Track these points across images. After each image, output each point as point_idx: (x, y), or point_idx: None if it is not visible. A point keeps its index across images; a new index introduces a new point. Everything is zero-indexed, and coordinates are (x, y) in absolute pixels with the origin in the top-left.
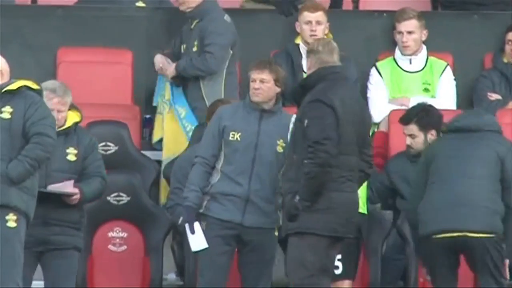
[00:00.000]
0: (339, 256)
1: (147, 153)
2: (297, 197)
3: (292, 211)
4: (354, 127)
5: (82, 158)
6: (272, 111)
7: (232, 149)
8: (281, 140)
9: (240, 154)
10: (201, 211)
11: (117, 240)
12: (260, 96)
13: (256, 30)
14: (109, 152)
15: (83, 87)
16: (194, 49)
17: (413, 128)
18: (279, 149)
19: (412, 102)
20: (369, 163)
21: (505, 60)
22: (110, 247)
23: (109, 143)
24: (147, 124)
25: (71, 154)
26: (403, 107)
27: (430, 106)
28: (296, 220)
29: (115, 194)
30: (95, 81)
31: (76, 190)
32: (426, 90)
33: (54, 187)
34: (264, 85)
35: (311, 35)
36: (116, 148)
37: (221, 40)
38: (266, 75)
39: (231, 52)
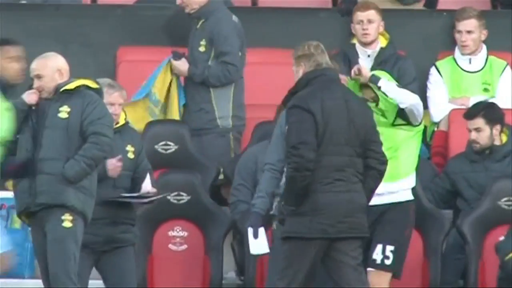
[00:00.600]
0: (392, 248)
1: None
2: (282, 202)
3: (279, 215)
4: (344, 127)
5: (137, 155)
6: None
7: None
8: None
9: None
10: (271, 212)
11: (177, 239)
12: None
13: (313, 30)
14: (169, 151)
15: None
16: (202, 49)
17: (479, 121)
18: None
19: (472, 102)
20: (379, 159)
21: None
22: (171, 246)
23: (169, 142)
24: None
25: (130, 151)
26: (463, 107)
27: (494, 102)
28: (283, 225)
29: (175, 193)
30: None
31: (155, 190)
32: (485, 90)
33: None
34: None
35: (363, 34)
36: (176, 147)
37: (236, 47)
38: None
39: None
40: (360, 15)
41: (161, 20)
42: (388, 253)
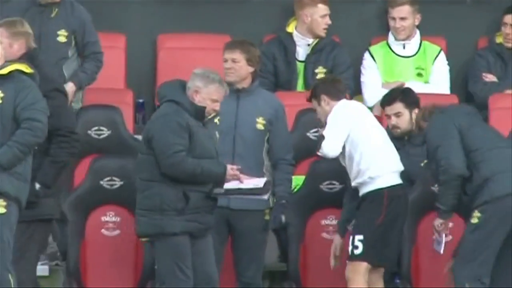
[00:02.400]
0: (361, 237)
1: (140, 137)
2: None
3: None
4: None
5: None
6: (248, 90)
7: (219, 134)
8: (261, 118)
9: (222, 137)
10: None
11: (110, 224)
12: (232, 76)
13: (248, 16)
14: (102, 136)
15: None
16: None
17: (398, 106)
18: (260, 127)
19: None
20: None
21: (497, 41)
22: (103, 231)
23: (102, 128)
24: (140, 108)
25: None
26: None
27: (409, 87)
28: None
29: (108, 178)
30: None
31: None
32: (419, 75)
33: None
34: (236, 64)
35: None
36: (109, 132)
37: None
38: (237, 55)
39: None
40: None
41: (101, 6)
42: (357, 242)
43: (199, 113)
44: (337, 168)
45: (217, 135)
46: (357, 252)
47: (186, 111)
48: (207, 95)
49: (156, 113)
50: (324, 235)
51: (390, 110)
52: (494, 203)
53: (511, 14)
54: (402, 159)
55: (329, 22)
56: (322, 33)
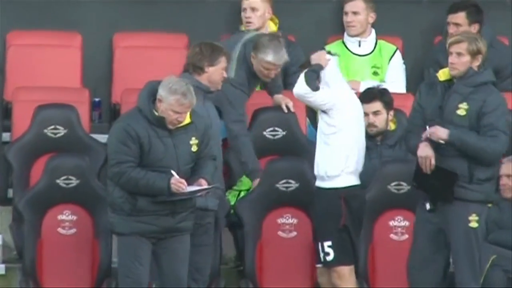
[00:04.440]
0: (329, 243)
1: (96, 136)
2: None
3: None
4: None
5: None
6: None
7: None
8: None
9: None
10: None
11: (67, 223)
12: None
13: (202, 15)
14: (58, 135)
15: (33, 71)
16: None
17: (378, 105)
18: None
19: (363, 86)
20: None
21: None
22: (60, 230)
23: (58, 126)
24: (96, 107)
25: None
26: (354, 91)
27: (385, 88)
28: None
29: (64, 177)
30: (44, 65)
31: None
32: (375, 73)
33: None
34: None
35: (246, 22)
36: (65, 131)
37: None
38: None
39: None
40: (244, 3)
41: (52, 4)
42: (327, 249)
43: (159, 122)
44: (293, 167)
45: (195, 141)
46: (329, 258)
47: (145, 119)
48: (168, 105)
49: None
50: (281, 233)
51: (369, 108)
52: None
53: (452, 14)
54: (375, 160)
55: (249, 15)
56: (246, 27)
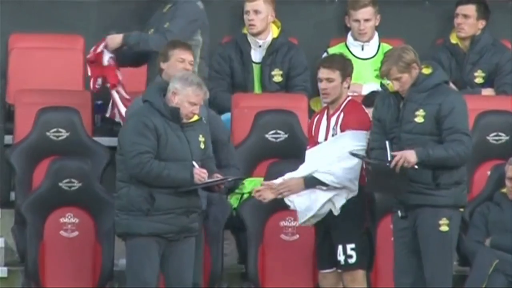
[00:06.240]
0: (352, 246)
1: (99, 139)
2: None
3: None
4: None
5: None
6: None
7: None
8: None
9: None
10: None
11: (69, 226)
12: None
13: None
14: (60, 138)
15: (35, 73)
16: None
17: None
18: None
19: (365, 89)
20: None
21: (453, 41)
22: (62, 232)
23: (60, 129)
24: (99, 110)
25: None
26: (356, 94)
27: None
28: None
29: (67, 180)
30: (47, 67)
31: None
32: (378, 76)
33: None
34: None
35: (250, 25)
36: (68, 134)
37: (183, 23)
38: None
39: (200, 39)
40: (247, 5)
41: (54, 7)
42: (349, 251)
43: (174, 114)
44: (295, 170)
45: (202, 138)
46: (352, 261)
47: (158, 112)
48: (184, 97)
49: (129, 114)
50: (283, 236)
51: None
52: None
53: (462, 5)
54: None
55: (252, 18)
56: (249, 30)
